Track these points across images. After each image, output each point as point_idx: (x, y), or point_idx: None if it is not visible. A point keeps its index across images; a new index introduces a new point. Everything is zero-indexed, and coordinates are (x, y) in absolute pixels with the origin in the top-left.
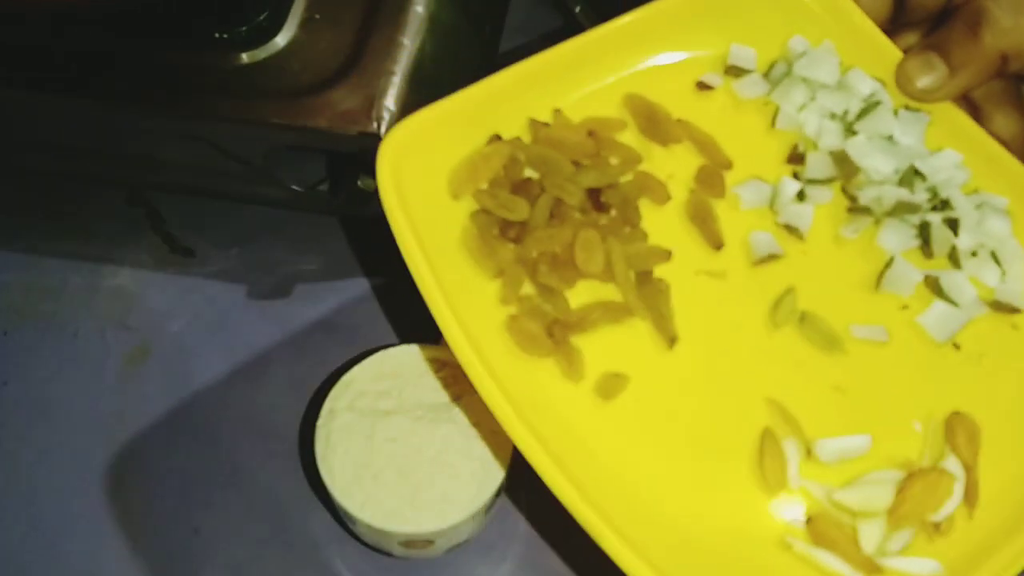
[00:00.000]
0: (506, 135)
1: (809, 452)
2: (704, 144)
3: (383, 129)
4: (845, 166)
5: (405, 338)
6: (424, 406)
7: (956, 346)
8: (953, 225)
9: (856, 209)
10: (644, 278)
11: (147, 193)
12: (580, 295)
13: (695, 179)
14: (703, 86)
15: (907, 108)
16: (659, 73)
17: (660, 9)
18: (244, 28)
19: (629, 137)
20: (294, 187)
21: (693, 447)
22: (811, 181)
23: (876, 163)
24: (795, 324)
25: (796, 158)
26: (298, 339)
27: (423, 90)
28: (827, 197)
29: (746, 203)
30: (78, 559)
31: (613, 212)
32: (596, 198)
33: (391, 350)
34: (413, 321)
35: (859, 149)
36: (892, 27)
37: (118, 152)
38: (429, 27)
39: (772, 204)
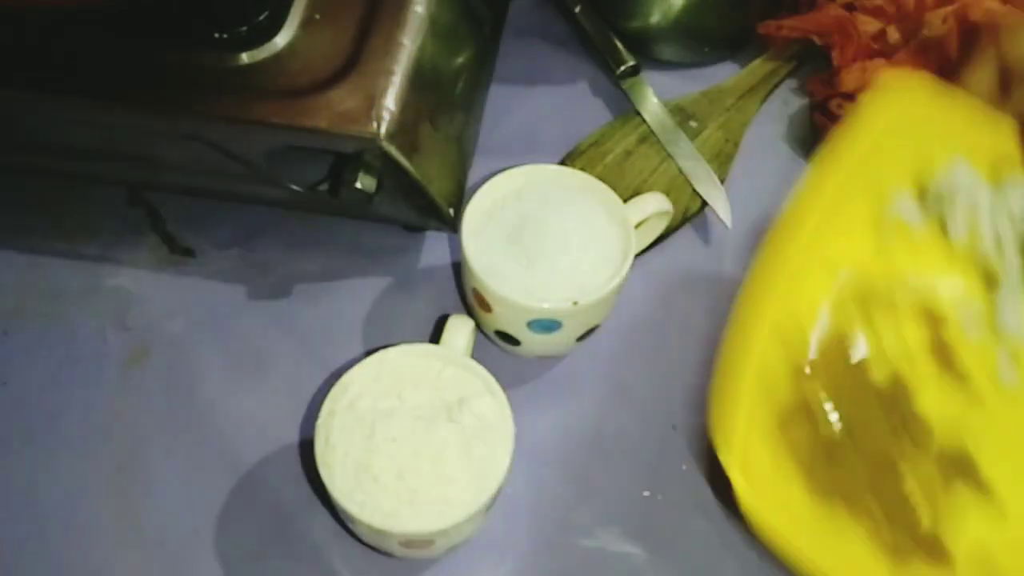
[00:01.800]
0: None
1: None
2: None
3: (383, 129)
4: None
5: (405, 338)
6: (423, 406)
7: None
8: None
9: None
10: None
11: (147, 193)
12: None
13: None
14: None
15: None
16: None
17: None
18: (244, 28)
19: None
20: (294, 187)
21: None
22: None
23: None
24: None
25: None
26: (298, 339)
27: (423, 90)
28: None
29: None
30: (78, 559)
31: None
32: None
33: (391, 350)
34: (413, 321)
35: None
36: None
37: (118, 152)
38: (429, 27)
39: None
